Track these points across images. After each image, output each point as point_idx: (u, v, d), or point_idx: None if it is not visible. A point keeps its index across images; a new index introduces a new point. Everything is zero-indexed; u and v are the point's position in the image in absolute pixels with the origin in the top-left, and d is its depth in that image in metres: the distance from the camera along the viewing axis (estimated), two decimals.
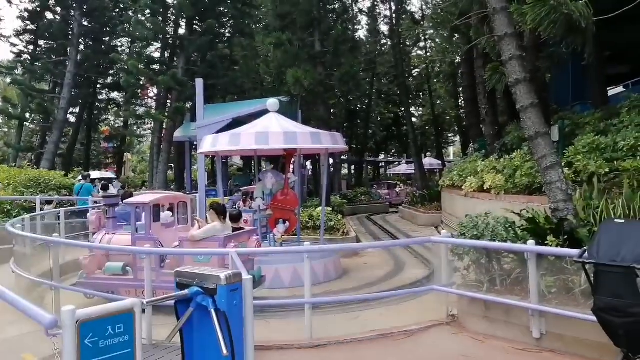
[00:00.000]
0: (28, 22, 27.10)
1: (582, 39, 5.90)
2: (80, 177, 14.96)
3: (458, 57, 19.65)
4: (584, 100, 13.75)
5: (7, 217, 11.76)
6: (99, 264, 7.79)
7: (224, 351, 3.25)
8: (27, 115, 27.34)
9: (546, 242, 5.41)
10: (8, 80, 31.57)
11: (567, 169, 7.70)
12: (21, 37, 27.76)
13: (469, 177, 12.44)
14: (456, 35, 12.26)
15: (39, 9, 26.17)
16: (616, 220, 3.68)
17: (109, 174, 28.58)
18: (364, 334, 5.67)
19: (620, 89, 17.49)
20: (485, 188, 10.87)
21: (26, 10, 26.36)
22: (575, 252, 4.11)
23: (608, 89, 14.88)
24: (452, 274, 6.14)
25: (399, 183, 37.66)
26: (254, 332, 3.68)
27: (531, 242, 5.17)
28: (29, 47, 27.94)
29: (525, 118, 6.18)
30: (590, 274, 3.62)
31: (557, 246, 5.31)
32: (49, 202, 13.71)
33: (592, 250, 3.54)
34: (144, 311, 4.50)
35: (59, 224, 10.44)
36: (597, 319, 3.55)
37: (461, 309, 6.00)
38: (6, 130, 43.53)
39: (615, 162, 7.61)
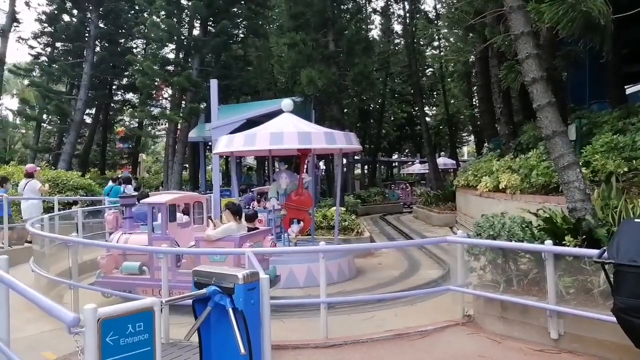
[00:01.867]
0: (45, 25, 27.52)
1: (601, 37, 5.83)
2: (111, 180, 15.39)
3: (472, 56, 19.51)
4: (601, 99, 13.56)
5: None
6: (116, 264, 7.88)
7: (242, 350, 3.27)
8: (45, 116, 27.75)
9: (564, 242, 5.36)
10: (26, 82, 32.06)
11: (584, 168, 7.61)
12: (39, 40, 28.22)
13: (483, 177, 12.35)
14: (471, 34, 12.19)
15: (56, 12, 26.54)
16: (636, 220, 3.63)
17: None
18: (379, 333, 5.66)
19: (638, 87, 17.23)
20: (500, 188, 10.78)
21: (44, 12, 26.76)
22: (594, 252, 4.06)
23: (626, 87, 14.66)
24: (468, 274, 6.10)
25: (406, 183, 37.37)
26: (270, 331, 3.69)
27: (548, 242, 5.12)
28: (46, 49, 28.39)
29: (542, 117, 6.12)
30: (609, 274, 3.57)
31: (575, 246, 5.25)
32: (75, 203, 14.05)
33: (611, 250, 3.49)
34: (161, 310, 4.56)
35: (77, 223, 10.58)
36: (617, 320, 3.50)
37: (477, 310, 5.97)
38: (24, 131, 44.20)
39: (634, 161, 7.51)
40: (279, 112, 11.10)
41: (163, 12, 23.60)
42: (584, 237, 5.39)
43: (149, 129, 36.31)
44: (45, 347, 5.49)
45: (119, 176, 16.19)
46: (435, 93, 40.66)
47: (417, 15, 29.35)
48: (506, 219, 5.96)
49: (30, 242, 10.29)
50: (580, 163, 7.35)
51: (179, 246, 7.57)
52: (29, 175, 11.98)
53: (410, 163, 48.79)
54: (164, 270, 5.94)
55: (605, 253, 3.61)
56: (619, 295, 3.42)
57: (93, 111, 30.81)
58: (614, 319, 3.55)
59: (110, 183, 14.38)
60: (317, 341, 5.41)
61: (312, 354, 5.06)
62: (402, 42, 34.83)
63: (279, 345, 5.10)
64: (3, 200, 10.66)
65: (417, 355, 4.97)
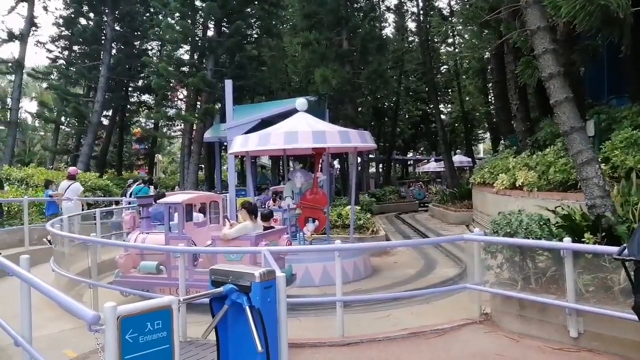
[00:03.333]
0: (63, 28, 27.98)
1: (619, 30, 5.73)
2: (140, 181, 16.10)
3: (487, 53, 19.33)
4: (620, 94, 13.31)
5: (45, 218, 12.15)
6: (134, 263, 7.98)
7: (259, 348, 3.29)
8: (63, 118, 28.21)
9: (583, 240, 5.28)
10: (44, 85, 32.60)
11: (603, 164, 7.49)
12: (56, 43, 28.72)
13: (500, 174, 12.22)
14: (486, 30, 12.04)
15: (73, 15, 26.97)
16: None
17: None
18: (395, 332, 5.65)
19: None
20: (517, 185, 10.66)
21: (61, 16, 27.21)
22: (614, 249, 4.00)
23: None
24: (485, 272, 6.05)
25: (421, 181, 37.05)
26: (287, 329, 3.71)
27: (567, 239, 5.05)
28: (64, 52, 28.86)
29: (560, 113, 6.05)
30: (630, 271, 3.52)
31: (594, 243, 5.18)
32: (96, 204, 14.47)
33: (632, 247, 3.43)
34: (179, 309, 4.61)
35: (95, 224, 10.74)
36: (638, 318, 3.45)
37: (494, 308, 5.92)
38: (43, 133, 44.95)
39: None
40: (293, 111, 11.13)
41: (177, 14, 23.78)
42: (604, 234, 5.31)
43: (165, 129, 36.66)
44: (66, 345, 5.58)
45: (145, 178, 16.64)
46: (450, 90, 40.35)
47: (431, 13, 29.12)
48: (523, 217, 5.89)
49: (49, 241, 10.50)
50: (599, 159, 7.23)
51: (195, 245, 7.63)
52: (72, 177, 12.58)
53: (425, 161, 48.51)
54: (181, 269, 6.00)
55: (626, 250, 3.55)
56: None
57: (110, 113, 31.24)
58: (634, 316, 3.49)
59: (137, 184, 14.70)
60: (334, 339, 5.42)
61: (328, 352, 5.07)
62: (416, 40, 34.65)
63: (296, 343, 5.12)
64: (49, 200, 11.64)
65: (434, 353, 4.95)
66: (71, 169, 13.77)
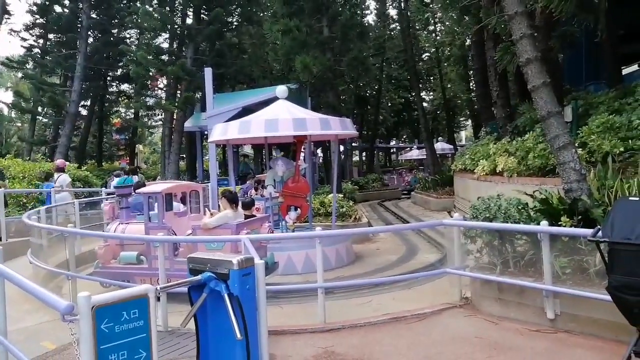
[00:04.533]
0: (37, 16, 27.22)
1: (595, 15, 5.77)
2: (118, 172, 15.72)
3: (468, 39, 19.39)
4: (597, 80, 13.51)
5: (22, 210, 11.93)
6: (114, 254, 7.89)
7: (238, 335, 3.28)
8: (39, 109, 27.58)
9: (559, 223, 5.36)
10: (20, 74, 31.85)
11: (580, 149, 7.59)
12: (31, 32, 27.92)
13: (481, 161, 12.34)
14: (466, 16, 12.08)
15: (47, 3, 26.22)
16: (631, 199, 3.62)
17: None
18: (377, 317, 5.69)
19: (635, 67, 17.15)
20: (497, 171, 10.78)
21: (35, 4, 26.46)
22: (589, 231, 4.06)
23: (622, 68, 14.59)
24: (465, 256, 6.12)
25: (405, 169, 37.13)
26: (267, 316, 3.70)
27: (544, 222, 5.13)
28: (38, 41, 28.11)
29: (537, 98, 6.09)
30: (604, 253, 3.58)
31: (570, 226, 5.26)
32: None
33: (606, 229, 3.50)
34: (158, 299, 4.56)
35: (74, 215, 10.58)
36: (611, 298, 3.52)
37: (474, 292, 6.00)
38: (19, 124, 44.01)
39: (630, 141, 7.49)
40: (274, 99, 11.05)
41: (155, 1, 23.39)
42: (580, 217, 5.39)
43: (145, 119, 36.18)
44: (44, 337, 5.51)
45: (127, 169, 16.42)
46: (431, 78, 40.40)
47: None
48: (502, 201, 5.96)
49: None
50: (577, 144, 7.33)
51: (175, 235, 7.57)
52: (60, 169, 12.93)
53: (408, 149, 48.72)
54: (160, 258, 5.96)
55: (600, 232, 3.61)
56: (614, 274, 3.44)
57: (88, 103, 30.64)
58: (609, 297, 3.56)
59: (121, 175, 14.48)
60: (315, 326, 5.43)
61: (309, 339, 5.09)
62: (398, 27, 34.58)
63: (277, 330, 5.12)
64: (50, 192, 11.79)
65: (415, 337, 5.00)
66: (59, 161, 14.09)
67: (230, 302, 3.36)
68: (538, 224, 5.27)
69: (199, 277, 3.50)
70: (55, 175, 12.57)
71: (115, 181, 13.78)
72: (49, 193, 11.92)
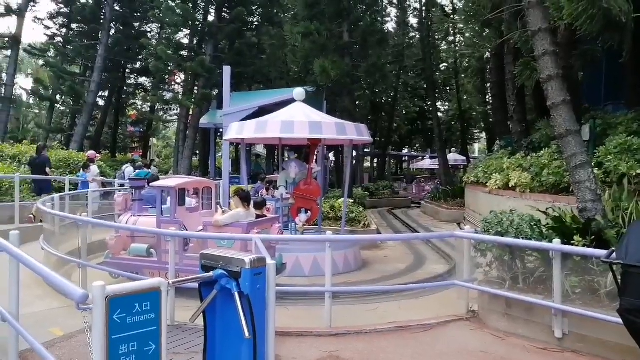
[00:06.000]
0: (62, 5, 27.60)
1: (620, 35, 5.75)
2: (129, 164, 16.51)
3: (487, 53, 19.33)
4: (616, 100, 13.37)
5: (37, 196, 12.07)
6: (125, 245, 7.96)
7: (246, 334, 3.30)
8: (58, 97, 27.95)
9: (572, 242, 5.32)
10: (41, 62, 32.26)
11: (597, 169, 7.53)
12: (54, 20, 28.34)
13: (494, 174, 12.28)
14: (487, 29, 12.04)
15: None
16: None
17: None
18: (382, 325, 5.68)
19: None
20: (510, 186, 10.72)
21: None
22: (602, 252, 4.03)
23: None
24: (474, 270, 6.09)
25: (421, 178, 36.96)
26: (275, 316, 3.72)
27: (557, 240, 5.09)
28: (61, 30, 28.52)
29: (556, 115, 6.07)
30: (617, 275, 3.55)
31: (583, 246, 5.22)
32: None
33: (620, 251, 3.46)
34: (167, 292, 4.60)
35: (87, 204, 10.69)
36: (622, 321, 3.48)
37: (482, 306, 5.96)
38: (37, 111, 44.57)
39: None
40: (291, 101, 11.10)
41: None
42: (593, 237, 5.36)
43: (161, 113, 36.43)
44: (53, 323, 5.56)
45: (139, 162, 16.70)
46: (448, 88, 40.27)
47: (433, 9, 29.02)
48: (515, 217, 5.93)
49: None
50: (593, 164, 7.27)
51: (187, 230, 7.62)
52: (91, 160, 13.91)
53: (420, 158, 48.56)
54: (171, 253, 6.00)
55: (614, 254, 3.58)
56: (626, 297, 3.40)
57: (106, 94, 30.97)
58: (619, 319, 3.52)
59: (136, 168, 14.69)
60: (321, 329, 5.44)
61: (314, 342, 5.10)
62: (417, 36, 34.53)
63: (283, 331, 5.14)
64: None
65: (420, 348, 4.99)
66: (90, 152, 15.31)
67: (241, 300, 3.38)
68: (550, 241, 5.23)
69: (210, 273, 3.53)
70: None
71: (132, 174, 13.97)
72: (81, 182, 12.83)
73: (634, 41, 7.67)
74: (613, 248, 3.70)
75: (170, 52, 22.54)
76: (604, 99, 14.17)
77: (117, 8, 27.25)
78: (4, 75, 30.74)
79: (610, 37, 5.89)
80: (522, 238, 5.63)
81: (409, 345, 5.07)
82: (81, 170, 13.79)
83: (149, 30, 31.56)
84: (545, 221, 6.07)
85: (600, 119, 10.36)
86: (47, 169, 12.78)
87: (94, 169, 13.42)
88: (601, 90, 14.62)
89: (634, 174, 7.27)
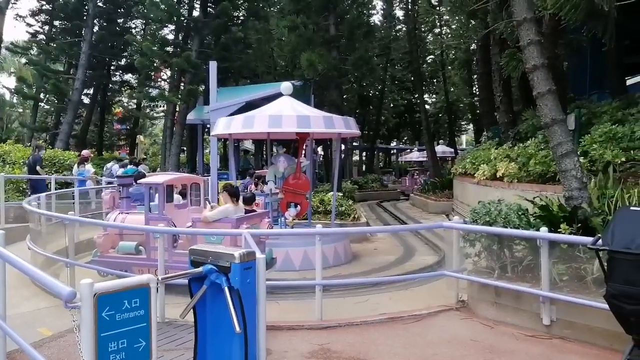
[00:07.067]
0: (44, 2, 27.16)
1: (603, 24, 5.79)
2: (114, 162, 16.52)
3: (474, 44, 19.40)
4: (601, 89, 13.52)
5: (22, 196, 11.94)
6: (113, 243, 7.90)
7: (237, 329, 3.29)
8: (42, 95, 27.55)
9: (559, 230, 5.38)
10: (23, 60, 31.79)
11: (582, 157, 7.61)
12: (37, 17, 27.86)
13: (481, 165, 12.37)
14: (473, 20, 12.08)
15: None
16: (632, 208, 3.64)
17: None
18: (373, 316, 5.71)
19: (638, 78, 17.16)
20: (498, 176, 10.80)
21: None
22: (588, 239, 4.08)
23: (627, 78, 14.61)
24: (463, 260, 6.13)
25: (415, 171, 36.93)
26: (265, 310, 3.72)
27: (544, 229, 5.14)
28: (44, 27, 28.05)
29: (542, 105, 6.11)
30: (603, 261, 3.60)
31: (570, 234, 5.28)
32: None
33: (606, 238, 3.51)
34: (157, 288, 4.56)
35: (74, 203, 10.59)
36: (609, 306, 3.53)
37: (471, 295, 6.01)
38: (21, 110, 43.94)
39: (631, 152, 7.52)
40: (278, 95, 11.06)
41: None
42: (579, 225, 5.41)
43: (147, 110, 36.12)
44: (41, 323, 5.51)
45: (126, 160, 16.64)
46: (435, 80, 40.46)
47: (419, 1, 29.05)
48: (502, 206, 5.97)
49: None
50: (579, 152, 7.35)
51: (175, 227, 7.58)
52: (85, 160, 14.05)
53: (408, 151, 48.70)
54: (160, 249, 5.97)
55: (600, 240, 3.63)
56: (612, 282, 3.45)
57: (91, 91, 30.59)
58: (605, 305, 3.58)
59: (130, 166, 14.61)
60: (311, 322, 5.45)
61: (306, 335, 5.10)
62: (404, 28, 34.57)
63: (274, 325, 5.14)
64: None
65: (411, 338, 5.02)
66: (84, 152, 15.52)
67: (231, 295, 3.37)
68: (537, 230, 5.29)
69: (200, 269, 3.51)
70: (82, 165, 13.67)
71: (120, 171, 13.88)
72: (79, 180, 12.99)
73: (616, 30, 7.75)
74: (599, 235, 3.75)
75: (155, 48, 22.30)
76: (589, 89, 14.32)
77: (100, 4, 26.88)
78: None
79: (593, 26, 5.94)
80: (510, 227, 5.67)
81: (400, 335, 5.10)
82: (76, 167, 13.86)
83: (133, 26, 31.24)
84: (533, 210, 6.12)
85: (585, 108, 10.47)
86: (38, 168, 12.62)
87: (89, 168, 13.65)
88: (586, 80, 14.77)
89: (619, 162, 7.36)
